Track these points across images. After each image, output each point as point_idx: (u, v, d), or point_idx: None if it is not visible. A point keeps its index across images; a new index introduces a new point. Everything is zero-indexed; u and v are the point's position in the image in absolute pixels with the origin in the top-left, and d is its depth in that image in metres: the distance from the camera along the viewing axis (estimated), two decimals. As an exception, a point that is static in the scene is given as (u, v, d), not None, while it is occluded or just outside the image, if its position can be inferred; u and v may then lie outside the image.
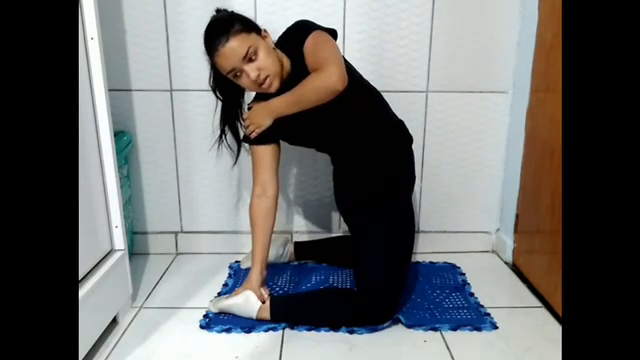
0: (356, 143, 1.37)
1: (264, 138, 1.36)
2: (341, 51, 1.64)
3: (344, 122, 1.33)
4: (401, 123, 1.45)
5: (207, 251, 1.85)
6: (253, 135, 1.34)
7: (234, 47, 1.20)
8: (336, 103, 1.24)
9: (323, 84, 1.20)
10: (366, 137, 1.36)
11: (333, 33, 1.31)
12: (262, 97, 1.35)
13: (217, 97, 1.37)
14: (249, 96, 1.43)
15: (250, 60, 1.22)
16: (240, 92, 1.39)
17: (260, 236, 1.40)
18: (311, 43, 1.25)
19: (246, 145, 1.43)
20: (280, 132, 1.37)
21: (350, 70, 1.34)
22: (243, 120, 1.37)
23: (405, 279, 1.42)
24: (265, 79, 1.23)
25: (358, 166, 1.40)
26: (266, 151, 1.37)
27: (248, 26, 1.25)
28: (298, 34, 1.28)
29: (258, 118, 1.31)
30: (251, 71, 1.22)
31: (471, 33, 1.68)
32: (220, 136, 1.41)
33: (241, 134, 1.42)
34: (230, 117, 1.39)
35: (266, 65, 1.23)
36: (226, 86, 1.34)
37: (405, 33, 1.67)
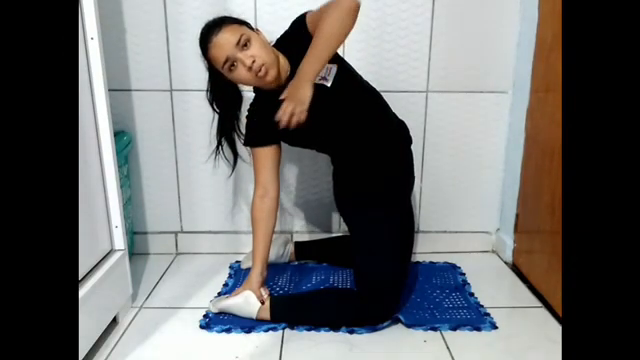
0: (355, 144, 1.37)
1: (265, 139, 1.36)
2: (341, 51, 1.65)
3: (344, 123, 1.33)
4: (401, 124, 1.45)
5: (207, 251, 1.85)
6: (302, 117, 1.18)
7: (227, 36, 1.22)
8: (336, 104, 1.24)
9: (341, 9, 1.14)
10: (365, 138, 1.36)
11: None
12: (262, 97, 1.36)
13: (214, 110, 1.38)
14: (246, 107, 1.43)
15: (244, 48, 1.22)
16: (237, 104, 1.39)
17: (261, 236, 1.40)
18: (311, 14, 1.25)
19: (244, 152, 1.42)
20: (280, 133, 1.37)
21: (350, 71, 1.35)
22: (283, 104, 1.21)
23: (405, 279, 1.42)
24: (261, 66, 1.22)
25: (357, 166, 1.40)
26: (267, 152, 1.38)
27: (240, 21, 1.27)
28: (293, 29, 1.29)
29: (298, 94, 1.17)
30: (245, 58, 1.21)
31: (471, 33, 1.68)
32: (217, 148, 1.42)
33: (238, 146, 1.43)
34: (227, 129, 1.40)
35: (260, 53, 1.22)
36: (223, 98, 1.35)
37: (405, 33, 1.67)
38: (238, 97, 1.39)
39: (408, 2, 1.64)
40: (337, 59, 1.33)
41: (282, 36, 1.35)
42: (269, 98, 1.32)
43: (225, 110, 1.38)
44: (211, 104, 1.37)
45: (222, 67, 1.24)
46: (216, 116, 1.40)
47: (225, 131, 1.40)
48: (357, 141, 1.36)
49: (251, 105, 1.40)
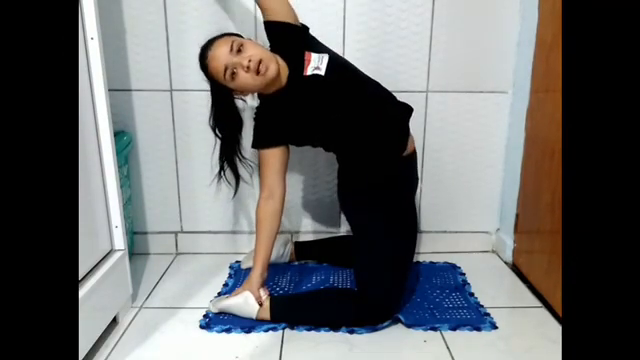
0: (354, 133, 1.36)
1: (271, 141, 1.37)
2: (341, 51, 1.65)
3: (341, 110, 1.33)
4: (398, 117, 1.40)
5: (207, 251, 1.85)
6: None
7: (220, 47, 1.26)
8: (331, 91, 1.29)
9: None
10: (363, 126, 1.35)
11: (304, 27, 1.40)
12: (267, 100, 1.36)
13: (216, 135, 1.40)
14: (245, 132, 1.44)
15: (239, 53, 1.24)
16: (238, 128, 1.41)
17: (264, 238, 1.40)
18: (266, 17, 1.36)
19: (246, 173, 1.44)
20: (287, 134, 1.37)
21: (341, 61, 1.38)
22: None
23: (405, 280, 1.41)
24: (259, 63, 1.23)
25: (359, 163, 1.40)
26: (274, 154, 1.38)
27: (229, 33, 1.33)
28: (268, 35, 1.37)
29: None
30: (242, 60, 1.24)
31: (471, 33, 1.68)
32: (219, 172, 1.44)
33: (240, 169, 1.45)
34: (229, 153, 1.42)
35: (255, 52, 1.25)
36: (225, 122, 1.38)
37: (405, 33, 1.67)
38: (239, 121, 1.41)
39: (408, 2, 1.64)
40: (327, 51, 1.36)
41: (270, 45, 1.39)
42: (274, 101, 1.33)
43: (227, 134, 1.41)
44: (214, 130, 1.39)
45: (224, 78, 1.26)
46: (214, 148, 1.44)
47: (227, 155, 1.43)
48: (356, 130, 1.35)
49: (257, 109, 1.41)
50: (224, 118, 1.37)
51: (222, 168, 1.44)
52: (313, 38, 1.40)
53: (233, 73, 1.25)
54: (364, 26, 1.66)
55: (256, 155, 1.45)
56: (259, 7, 1.36)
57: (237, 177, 1.46)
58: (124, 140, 1.65)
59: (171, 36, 1.66)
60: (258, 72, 1.24)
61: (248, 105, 1.54)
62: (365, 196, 1.40)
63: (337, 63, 1.34)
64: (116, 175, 1.35)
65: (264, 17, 1.37)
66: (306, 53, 1.32)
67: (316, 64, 1.31)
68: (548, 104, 1.48)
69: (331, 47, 1.42)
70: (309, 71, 1.31)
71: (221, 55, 1.25)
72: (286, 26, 1.34)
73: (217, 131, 1.39)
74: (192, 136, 1.75)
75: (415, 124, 1.71)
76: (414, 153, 1.45)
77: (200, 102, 1.70)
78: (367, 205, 1.38)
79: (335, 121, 1.34)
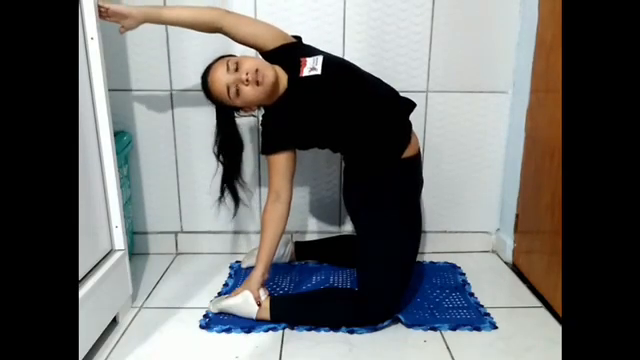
0: (359, 136, 1.36)
1: (279, 146, 1.38)
2: (340, 52, 1.65)
3: (341, 105, 1.34)
4: (399, 111, 1.42)
5: (207, 251, 1.85)
6: None
7: (217, 70, 1.31)
8: (330, 88, 1.31)
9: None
10: (368, 130, 1.36)
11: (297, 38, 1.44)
12: (272, 108, 1.37)
13: (219, 161, 1.45)
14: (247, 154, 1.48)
15: (236, 71, 1.28)
16: (240, 152, 1.46)
17: (268, 240, 1.40)
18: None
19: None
20: (293, 138, 1.38)
21: (335, 59, 1.40)
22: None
23: (407, 282, 1.41)
24: (256, 72, 1.26)
25: (365, 162, 1.40)
26: (281, 159, 1.38)
27: (223, 56, 1.36)
28: (269, 61, 1.37)
29: None
30: (241, 75, 1.27)
31: (471, 33, 1.68)
32: (220, 197, 1.49)
33: (240, 194, 1.50)
34: (230, 179, 1.47)
35: (250, 64, 1.28)
36: (229, 147, 1.43)
37: (405, 33, 1.67)
38: (241, 145, 1.46)
39: (408, 2, 1.64)
40: (321, 53, 1.38)
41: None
42: (278, 107, 1.36)
43: (230, 160, 1.45)
44: (217, 156, 1.44)
45: (229, 97, 1.30)
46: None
47: (229, 181, 1.47)
48: (357, 125, 1.36)
49: (263, 117, 1.43)
50: (228, 143, 1.42)
51: (222, 194, 1.48)
52: (307, 46, 1.43)
53: (237, 90, 1.28)
54: (364, 26, 1.66)
55: (255, 182, 1.49)
56: (252, 48, 1.42)
57: (237, 201, 1.50)
58: (124, 140, 1.65)
59: (171, 36, 1.66)
60: (258, 82, 1.26)
61: (251, 127, 1.55)
62: (370, 196, 1.40)
63: (332, 62, 1.37)
64: (116, 175, 1.35)
65: (260, 52, 1.41)
66: (301, 59, 1.36)
67: (312, 65, 1.34)
68: (548, 104, 1.48)
69: (331, 47, 1.43)
70: (305, 72, 1.34)
71: (220, 77, 1.29)
72: (281, 49, 1.38)
73: (221, 157, 1.44)
74: (192, 136, 1.75)
75: (415, 124, 1.70)
76: (418, 155, 1.45)
77: (200, 102, 1.69)
78: (371, 205, 1.39)
79: (337, 117, 1.35)
